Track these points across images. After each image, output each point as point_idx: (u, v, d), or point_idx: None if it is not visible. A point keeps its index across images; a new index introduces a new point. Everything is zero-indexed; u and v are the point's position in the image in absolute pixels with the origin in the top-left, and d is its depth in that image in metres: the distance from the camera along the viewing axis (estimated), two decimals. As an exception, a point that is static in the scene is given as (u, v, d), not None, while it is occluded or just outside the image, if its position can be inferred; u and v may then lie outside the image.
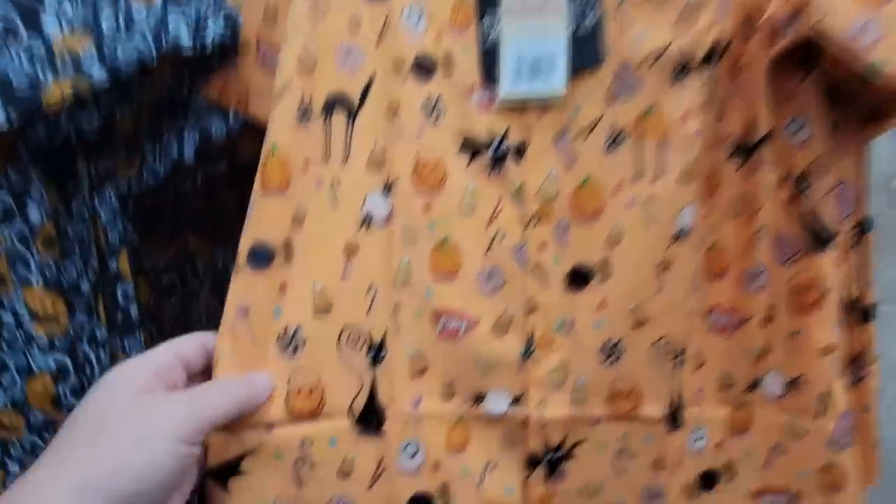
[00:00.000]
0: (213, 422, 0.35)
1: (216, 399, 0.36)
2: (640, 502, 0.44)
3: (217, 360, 0.39)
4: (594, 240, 0.47)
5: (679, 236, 0.46)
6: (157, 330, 0.51)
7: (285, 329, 0.41)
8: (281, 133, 0.40)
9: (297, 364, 0.41)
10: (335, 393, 0.42)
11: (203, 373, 0.39)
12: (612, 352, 0.46)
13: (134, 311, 0.45)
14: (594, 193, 0.47)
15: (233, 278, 0.42)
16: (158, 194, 0.50)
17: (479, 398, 0.46)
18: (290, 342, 0.42)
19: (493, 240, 0.47)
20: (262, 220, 0.40)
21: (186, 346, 0.38)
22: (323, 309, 0.42)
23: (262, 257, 0.40)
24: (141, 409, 0.32)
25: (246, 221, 0.40)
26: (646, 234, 0.46)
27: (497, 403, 0.47)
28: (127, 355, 0.45)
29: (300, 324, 0.43)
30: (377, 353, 0.43)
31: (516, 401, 0.44)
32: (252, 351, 0.41)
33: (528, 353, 0.44)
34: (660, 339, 0.46)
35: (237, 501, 0.38)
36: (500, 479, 0.44)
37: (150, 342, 0.51)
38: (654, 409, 0.44)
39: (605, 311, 0.46)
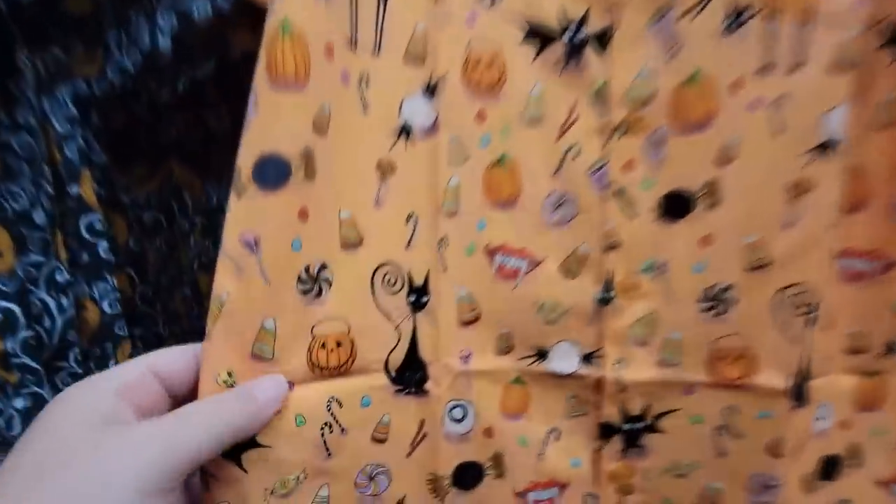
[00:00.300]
0: (194, 460, 0.26)
1: (200, 428, 0.27)
2: (744, 492, 0.37)
3: (216, 311, 0.31)
4: (700, 155, 0.36)
5: (824, 148, 0.35)
6: (139, 276, 0.44)
7: (307, 267, 0.33)
8: (293, 5, 0.30)
9: (321, 310, 0.33)
10: (368, 345, 0.34)
11: (193, 393, 0.31)
12: (717, 301, 0.37)
13: (104, 249, 0.38)
14: (704, 92, 0.35)
15: (232, 201, 0.31)
16: (129, 105, 0.41)
17: (541, 354, 0.39)
18: (314, 284, 0.34)
19: (564, 157, 0.37)
20: (272, 123, 0.30)
21: (166, 359, 0.30)
22: (352, 242, 0.34)
23: (273, 172, 0.31)
24: (98, 447, 0.24)
25: (246, 125, 0.30)
26: (774, 147, 0.35)
27: (564, 361, 0.38)
28: (96, 304, 0.38)
29: (325, 260, 0.34)
30: (419, 297, 0.35)
31: (588, 358, 0.37)
32: (263, 295, 0.33)
33: (605, 299, 0.36)
34: (787, 287, 0.36)
35: (255, 481, 0.31)
36: (565, 450, 0.38)
37: (130, 291, 0.44)
38: (773, 378, 0.35)
39: (710, 249, 0.36)
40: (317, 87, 0.31)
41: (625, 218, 0.36)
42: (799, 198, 0.35)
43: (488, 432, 0.39)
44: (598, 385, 0.37)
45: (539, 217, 0.38)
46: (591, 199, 0.37)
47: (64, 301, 0.38)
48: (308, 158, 0.33)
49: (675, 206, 0.36)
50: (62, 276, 0.36)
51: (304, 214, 0.34)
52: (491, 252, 0.36)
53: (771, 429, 0.35)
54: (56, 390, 0.39)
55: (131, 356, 0.44)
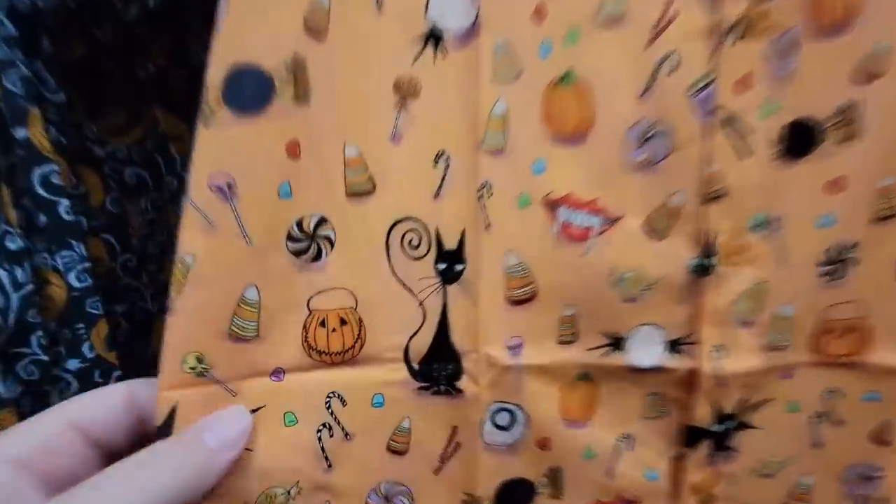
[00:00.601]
0: None
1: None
2: (837, 484, 0.31)
3: (181, 278, 0.24)
4: (839, 67, 0.26)
5: None
6: (120, 244, 0.37)
7: (300, 221, 0.25)
8: None
9: (319, 277, 0.26)
10: (382, 325, 0.27)
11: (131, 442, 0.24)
12: (837, 264, 0.28)
13: (65, 208, 0.31)
14: None
15: (198, 134, 0.24)
16: (87, 25, 0.33)
17: (616, 342, 0.29)
18: (309, 243, 0.26)
19: (656, 71, 0.26)
20: (249, 23, 0.23)
21: (89, 407, 0.24)
22: (361, 189, 0.26)
23: (251, 91, 0.23)
24: None
25: (217, 28, 0.23)
26: None
27: (645, 350, 0.29)
28: (61, 277, 0.31)
29: (324, 212, 0.26)
30: (451, 264, 0.27)
31: (676, 346, 0.28)
32: (242, 257, 0.25)
33: (703, 267, 0.27)
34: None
35: (231, 494, 0.25)
36: (640, 461, 0.29)
37: (109, 261, 0.37)
38: (890, 355, 0.29)
39: (840, 197, 0.27)
40: None
41: (735, 157, 0.27)
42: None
43: (543, 443, 0.30)
44: (689, 380, 0.28)
45: (618, 156, 0.27)
46: (690, 131, 0.27)
47: (19, 273, 0.30)
48: (298, 71, 0.24)
49: (800, 138, 0.27)
50: (14, 243, 0.29)
51: (294, 149, 0.25)
52: (552, 205, 0.28)
53: (876, 413, 0.29)
54: (19, 383, 0.33)
55: (114, 338, 0.37)
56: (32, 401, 0.35)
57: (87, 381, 0.37)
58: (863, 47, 0.25)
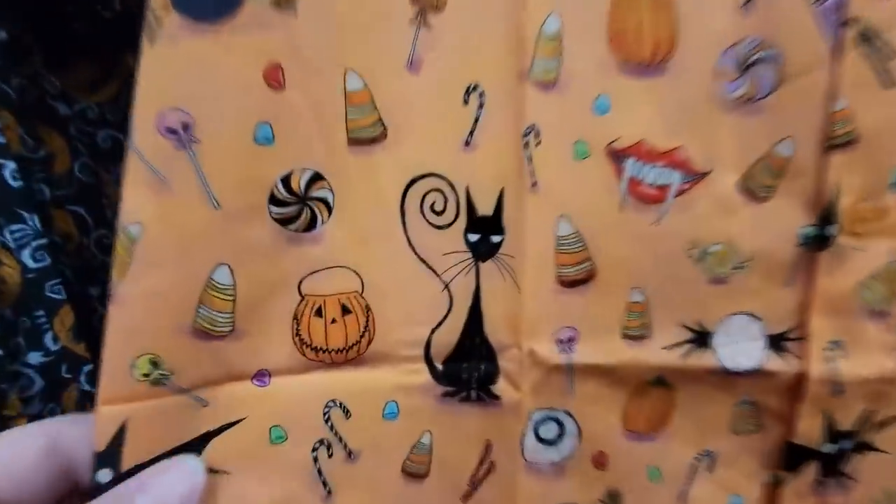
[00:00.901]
0: None
1: None
2: None
3: (125, 255, 0.18)
4: None
5: None
6: (93, 217, 0.32)
7: (286, 177, 0.19)
8: None
9: (314, 252, 0.20)
10: (395, 314, 0.21)
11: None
12: None
13: (10, 173, 0.26)
14: None
15: (143, 54, 0.17)
16: None
17: (700, 336, 0.22)
18: (300, 207, 0.19)
19: None
20: None
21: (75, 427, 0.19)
22: (368, 135, 0.20)
23: None
24: None
25: None
26: None
27: (739, 348, 0.22)
28: (11, 254, 0.27)
29: (319, 166, 0.19)
30: (485, 233, 0.21)
31: (780, 341, 0.22)
32: (208, 226, 0.18)
33: (818, 237, 0.21)
34: None
35: None
36: (720, 485, 0.24)
37: (80, 237, 0.31)
38: None
39: None
40: None
41: (873, 88, 0.20)
42: None
43: (599, 459, 0.23)
44: (795, 386, 0.22)
45: (709, 90, 0.20)
46: (812, 53, 0.20)
47: (-46, 253, 0.25)
48: None
49: None
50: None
51: (274, 75, 0.18)
52: (618, 155, 0.21)
53: None
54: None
55: (87, 326, 0.32)
56: (-11, 401, 0.30)
57: (52, 378, 0.32)
58: None
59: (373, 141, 0.20)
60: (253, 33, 0.18)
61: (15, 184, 0.28)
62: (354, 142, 0.20)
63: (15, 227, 0.29)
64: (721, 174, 0.21)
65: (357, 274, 0.20)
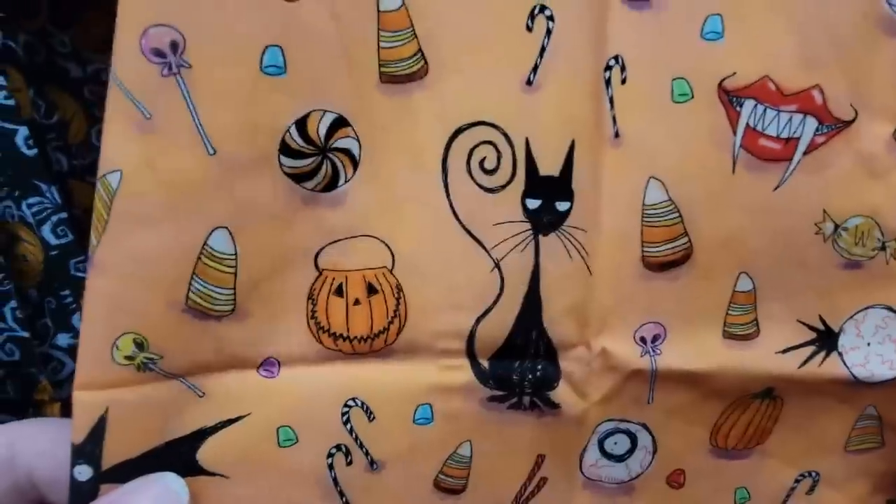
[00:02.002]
0: None
1: None
2: None
3: (102, 212, 0.14)
4: None
5: None
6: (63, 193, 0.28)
7: (303, 120, 0.15)
8: None
9: (334, 217, 0.16)
10: (433, 297, 0.17)
11: None
12: None
13: (24, 140, 0.23)
14: None
15: None
16: None
17: (823, 337, 0.17)
18: (319, 159, 0.15)
19: None
20: None
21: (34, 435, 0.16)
22: (405, 69, 0.15)
23: None
24: None
25: None
26: None
27: (873, 351, 0.17)
28: (31, 230, 0.25)
29: (342, 107, 0.15)
30: (550, 200, 0.16)
31: None
32: (200, 175, 0.14)
33: None
34: None
35: None
36: None
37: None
38: None
39: None
40: None
41: None
42: None
43: (676, 478, 0.18)
44: None
45: (868, 4, 0.15)
46: None
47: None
48: None
49: None
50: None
51: None
52: (733, 96, 0.15)
53: None
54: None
55: None
56: (17, 387, 0.28)
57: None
58: None
59: (410, 78, 0.15)
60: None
61: (29, 152, 0.25)
62: (389, 78, 0.15)
63: (33, 199, 0.26)
64: (870, 123, 0.16)
65: (387, 245, 0.16)
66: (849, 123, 0.16)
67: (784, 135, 0.16)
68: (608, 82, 0.15)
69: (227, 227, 0.15)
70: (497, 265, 0.17)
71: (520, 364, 0.17)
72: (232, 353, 0.16)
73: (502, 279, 0.17)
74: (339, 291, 0.17)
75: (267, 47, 0.14)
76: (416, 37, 0.15)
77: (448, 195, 0.16)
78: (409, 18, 0.15)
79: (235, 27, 0.14)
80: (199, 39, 0.14)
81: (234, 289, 0.16)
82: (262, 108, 0.15)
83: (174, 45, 0.14)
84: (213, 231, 0.15)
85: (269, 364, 0.17)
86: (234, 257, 0.15)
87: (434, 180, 0.16)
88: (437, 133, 0.16)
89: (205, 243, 0.15)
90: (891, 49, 0.15)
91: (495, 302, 0.17)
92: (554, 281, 0.16)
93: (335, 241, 0.16)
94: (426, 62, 0.15)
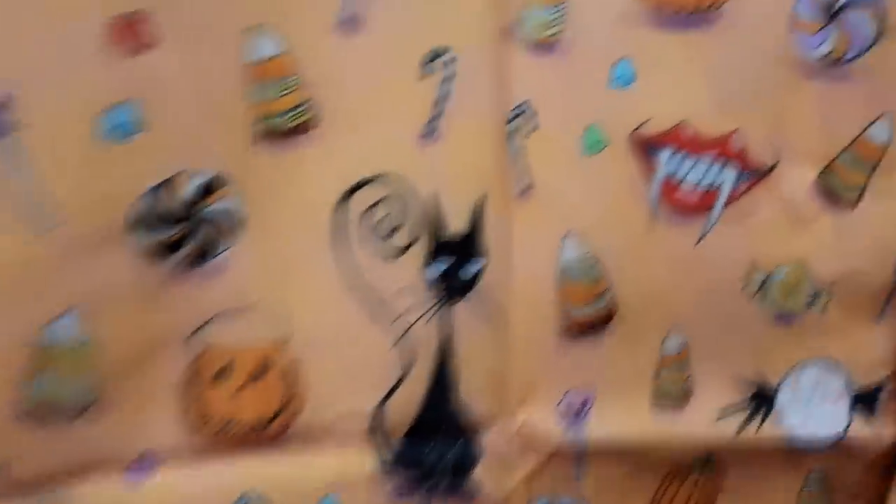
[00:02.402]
0: None
1: None
2: None
3: None
4: None
5: None
6: None
7: (168, 182, 0.13)
8: None
9: (213, 290, 0.14)
10: (333, 375, 0.15)
11: None
12: None
13: None
14: None
15: None
16: None
17: (760, 398, 0.15)
18: (191, 225, 0.13)
19: None
20: None
21: None
22: (288, 123, 0.13)
23: None
24: None
25: None
26: None
27: (814, 410, 0.15)
28: None
29: (219, 165, 0.13)
30: (458, 263, 0.14)
31: (871, 399, 0.16)
32: (36, 247, 0.12)
33: None
34: None
35: None
36: None
37: None
38: None
39: None
40: None
41: None
42: None
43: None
44: (888, 458, 0.16)
45: (779, 45, 0.14)
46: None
47: None
48: None
49: None
50: None
51: (134, 32, 0.12)
52: (647, 146, 0.14)
53: None
54: None
55: None
56: None
57: None
58: None
59: (296, 131, 0.14)
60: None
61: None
62: (270, 133, 0.13)
63: None
64: (792, 168, 0.15)
65: (280, 317, 0.14)
66: (770, 170, 0.15)
67: (704, 184, 0.15)
68: (514, 132, 0.14)
69: (76, 312, 0.13)
70: (401, 337, 0.15)
71: (433, 445, 0.15)
72: (93, 455, 0.14)
73: (409, 352, 0.15)
74: (224, 373, 0.15)
75: (115, 105, 0.12)
76: (302, 85, 0.14)
77: (342, 261, 0.14)
78: (292, 66, 0.14)
79: (75, 83, 0.12)
80: (32, 94, 0.12)
81: (93, 380, 0.13)
82: (111, 174, 0.12)
83: (3, 103, 0.12)
84: (57, 318, 0.13)
85: (141, 463, 0.14)
86: (87, 343, 0.13)
87: (326, 244, 0.14)
88: (330, 191, 0.14)
89: (49, 328, 0.13)
90: (809, 92, 0.14)
91: (401, 379, 0.15)
92: (467, 351, 0.15)
93: (216, 317, 0.14)
94: (316, 113, 0.14)
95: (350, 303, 0.14)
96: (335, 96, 0.14)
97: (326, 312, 0.14)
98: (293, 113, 0.14)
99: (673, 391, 0.16)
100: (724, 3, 0.14)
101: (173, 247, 0.13)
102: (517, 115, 0.14)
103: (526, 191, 0.14)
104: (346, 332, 0.14)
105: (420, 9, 0.14)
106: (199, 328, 0.14)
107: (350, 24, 0.14)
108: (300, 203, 0.14)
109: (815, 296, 0.15)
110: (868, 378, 0.16)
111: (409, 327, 0.14)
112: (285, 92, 0.14)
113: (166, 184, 0.13)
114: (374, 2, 0.14)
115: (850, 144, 0.14)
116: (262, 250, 0.14)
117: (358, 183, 0.14)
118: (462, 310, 0.15)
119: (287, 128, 0.14)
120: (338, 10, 0.13)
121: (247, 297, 0.14)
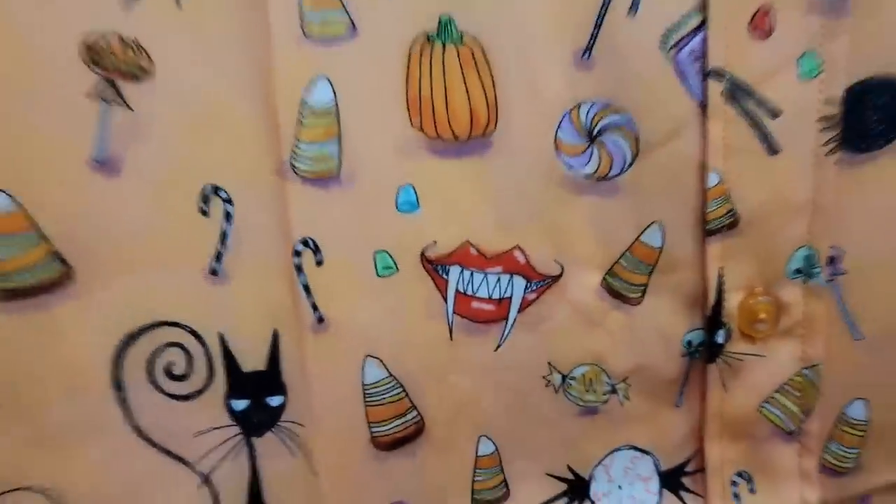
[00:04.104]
0: None
1: None
2: None
3: None
4: None
5: None
6: None
7: None
8: None
9: None
10: None
11: None
12: None
13: None
14: None
15: None
16: None
17: (574, 487, 0.15)
18: None
19: (601, 13, 0.13)
20: None
21: None
22: (29, 277, 0.12)
23: None
24: None
25: None
26: None
27: (625, 494, 0.15)
28: None
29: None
30: (258, 394, 0.13)
31: (677, 477, 0.16)
32: None
33: (708, 344, 0.15)
34: None
35: None
36: None
37: None
38: None
39: None
40: None
41: (754, 155, 0.14)
42: None
43: None
44: None
45: (548, 166, 0.14)
46: (672, 115, 0.13)
47: None
48: None
49: (877, 114, 0.14)
50: None
51: None
52: (438, 265, 0.14)
53: None
54: None
55: None
56: None
57: None
58: None
59: (43, 290, 0.12)
60: None
61: None
62: (8, 296, 0.12)
63: None
64: (577, 275, 0.14)
65: (49, 496, 0.12)
66: (557, 278, 0.15)
67: (495, 295, 0.15)
68: (299, 268, 0.13)
69: None
70: (206, 479, 0.13)
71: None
72: None
73: (216, 494, 0.13)
74: None
75: None
76: (43, 238, 0.12)
77: (130, 414, 0.13)
78: (28, 219, 0.12)
79: None
80: None
81: None
82: None
83: None
84: None
85: None
86: None
87: (106, 402, 0.13)
88: (100, 347, 0.12)
89: None
90: (582, 206, 0.14)
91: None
92: (277, 485, 0.14)
93: None
94: (67, 266, 0.12)
95: (143, 454, 0.13)
96: (95, 244, 0.12)
97: (117, 471, 0.12)
98: (36, 271, 0.12)
99: (489, 495, 0.15)
100: (493, 130, 0.13)
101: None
102: (299, 253, 0.13)
103: (319, 323, 0.13)
104: (141, 485, 0.13)
105: (186, 148, 0.12)
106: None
107: (107, 166, 0.12)
108: (63, 368, 0.12)
109: (614, 389, 0.15)
110: (673, 459, 0.16)
111: (216, 466, 0.13)
112: (25, 248, 0.12)
113: None
114: (131, 142, 0.12)
115: (628, 249, 0.14)
116: (22, 428, 0.12)
117: (136, 331, 0.12)
118: (267, 443, 0.13)
119: (28, 285, 0.12)
120: (90, 152, 0.12)
121: (12, 482, 0.12)
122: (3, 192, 0.12)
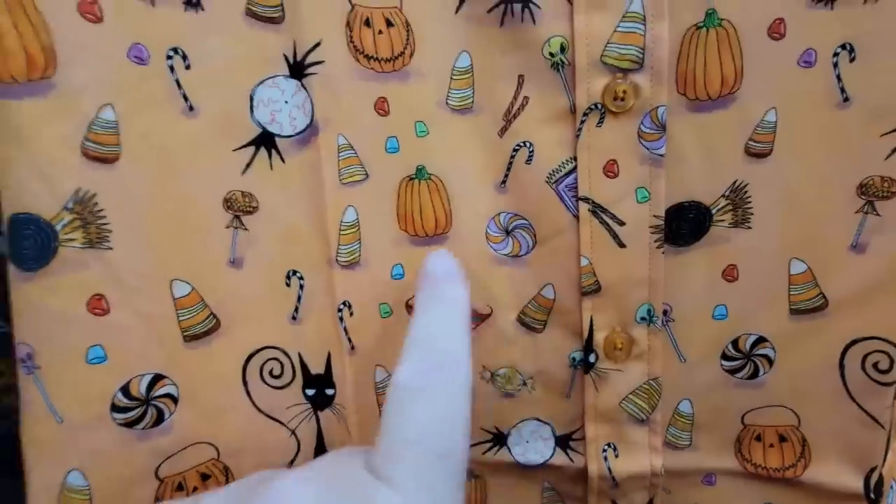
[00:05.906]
0: None
1: None
2: None
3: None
4: (722, 144, 0.19)
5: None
6: None
7: (126, 386, 0.18)
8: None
9: (164, 443, 0.19)
10: (250, 465, 0.21)
11: None
12: (743, 360, 0.22)
13: None
14: (728, 40, 0.18)
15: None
16: None
17: (497, 438, 0.23)
18: (143, 409, 0.18)
19: (510, 161, 0.20)
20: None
21: None
22: (201, 330, 0.19)
23: (29, 243, 0.17)
24: None
25: None
26: (837, 124, 0.19)
27: (532, 446, 0.23)
28: None
29: (159, 368, 0.19)
30: (320, 387, 0.21)
31: (564, 442, 0.23)
32: (54, 436, 0.18)
33: (585, 361, 0.22)
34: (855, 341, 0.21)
35: None
36: None
37: None
38: (829, 472, 0.22)
39: (736, 286, 0.21)
40: (77, 76, 0.16)
41: (609, 248, 0.20)
42: (878, 203, 0.20)
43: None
44: (581, 478, 0.23)
45: (482, 249, 0.21)
46: (555, 222, 0.21)
47: None
48: (85, 210, 0.17)
49: (686, 224, 0.20)
50: None
51: (98, 305, 0.18)
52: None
53: None
54: None
55: None
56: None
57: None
58: (753, 114, 0.19)
59: (207, 333, 0.20)
60: (68, 274, 0.17)
61: None
62: (191, 338, 0.19)
63: None
64: (501, 313, 0.22)
65: (212, 444, 0.20)
66: (488, 315, 0.22)
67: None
68: (341, 318, 0.21)
69: (79, 469, 0.18)
70: (293, 432, 0.21)
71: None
72: None
73: (298, 441, 0.22)
74: (181, 488, 0.20)
75: (89, 347, 0.18)
76: (206, 306, 0.20)
77: (250, 397, 0.21)
78: (199, 296, 0.19)
79: (64, 339, 0.17)
80: (44, 348, 0.17)
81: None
82: (92, 386, 0.18)
83: (28, 355, 0.17)
84: (68, 473, 0.18)
85: None
86: (87, 489, 0.18)
87: (237, 391, 0.20)
88: (235, 361, 0.20)
89: (63, 481, 0.18)
90: (503, 274, 0.21)
91: (296, 455, 0.22)
92: (330, 438, 0.22)
93: (170, 457, 0.19)
94: (218, 319, 0.20)
95: (259, 419, 0.20)
96: (231, 307, 0.19)
97: (243, 430, 0.20)
98: (204, 323, 0.19)
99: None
100: (448, 230, 0.21)
101: (136, 421, 0.19)
102: (342, 308, 0.21)
103: (352, 350, 0.21)
104: (257, 436, 0.20)
105: (278, 248, 0.20)
106: (158, 466, 0.19)
107: (235, 263, 0.20)
108: (217, 374, 0.20)
109: (524, 383, 0.23)
110: (565, 429, 0.23)
111: (298, 426, 0.21)
112: (197, 312, 0.19)
113: (126, 386, 0.18)
114: (248, 248, 0.20)
115: (532, 299, 0.22)
116: (196, 409, 0.19)
117: (253, 351, 0.20)
118: (326, 416, 0.21)
119: (201, 332, 0.19)
120: (227, 256, 0.19)
121: (187, 440, 0.19)
122: (187, 282, 0.19)
